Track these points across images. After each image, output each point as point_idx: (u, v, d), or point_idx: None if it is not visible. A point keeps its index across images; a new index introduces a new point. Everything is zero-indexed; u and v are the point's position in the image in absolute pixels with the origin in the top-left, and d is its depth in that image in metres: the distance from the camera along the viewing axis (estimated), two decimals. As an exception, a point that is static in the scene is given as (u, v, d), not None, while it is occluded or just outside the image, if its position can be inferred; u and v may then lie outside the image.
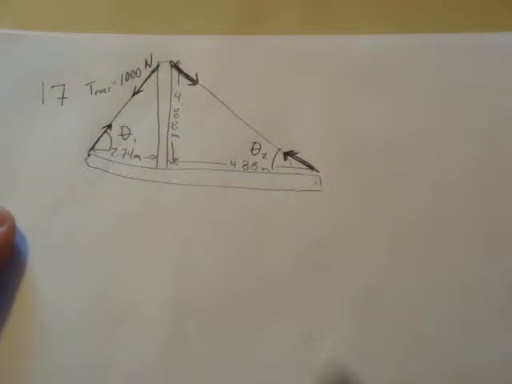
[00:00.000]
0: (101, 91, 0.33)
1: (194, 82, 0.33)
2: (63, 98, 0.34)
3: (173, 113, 0.33)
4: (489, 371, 0.27)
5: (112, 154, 0.32)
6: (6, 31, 0.35)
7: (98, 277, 0.30)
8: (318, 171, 0.31)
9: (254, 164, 0.31)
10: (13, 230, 0.30)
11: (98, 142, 0.33)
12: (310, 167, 0.31)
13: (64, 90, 0.34)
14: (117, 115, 0.33)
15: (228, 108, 0.32)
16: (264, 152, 0.31)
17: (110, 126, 0.33)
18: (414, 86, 0.32)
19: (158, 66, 0.34)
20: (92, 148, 0.32)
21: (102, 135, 0.33)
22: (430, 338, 0.27)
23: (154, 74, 0.33)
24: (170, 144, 0.32)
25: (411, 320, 0.28)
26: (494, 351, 0.27)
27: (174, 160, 0.32)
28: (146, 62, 0.34)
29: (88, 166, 0.32)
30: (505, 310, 0.27)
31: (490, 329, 0.27)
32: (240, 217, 0.30)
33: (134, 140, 0.32)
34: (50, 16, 0.36)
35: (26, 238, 0.31)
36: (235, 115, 0.32)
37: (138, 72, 0.34)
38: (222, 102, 0.32)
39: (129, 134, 0.33)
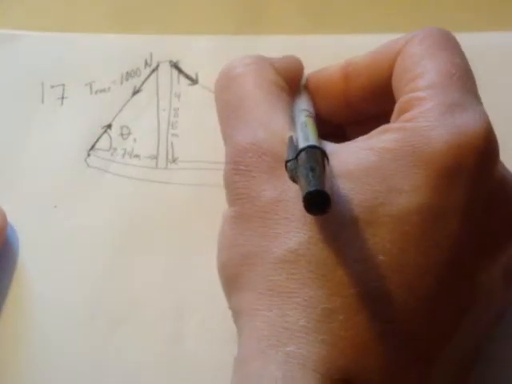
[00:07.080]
0: (100, 91, 0.33)
1: (193, 81, 0.33)
2: (63, 97, 0.34)
3: (173, 112, 0.33)
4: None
5: (112, 154, 0.32)
6: (6, 31, 0.35)
7: (98, 276, 0.30)
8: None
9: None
10: (4, 224, 0.30)
11: (98, 142, 0.32)
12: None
13: (64, 89, 0.34)
14: (117, 115, 0.33)
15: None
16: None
17: (109, 126, 0.33)
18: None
19: (158, 65, 0.34)
20: (92, 148, 0.32)
21: (101, 135, 0.33)
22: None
23: (154, 73, 0.33)
24: (169, 144, 0.32)
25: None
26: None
27: (174, 160, 0.32)
28: (146, 62, 0.34)
29: (88, 165, 0.32)
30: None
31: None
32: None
33: (134, 140, 0.32)
34: (50, 16, 0.36)
35: (17, 234, 0.31)
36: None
37: (138, 72, 0.34)
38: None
39: (129, 134, 0.33)
